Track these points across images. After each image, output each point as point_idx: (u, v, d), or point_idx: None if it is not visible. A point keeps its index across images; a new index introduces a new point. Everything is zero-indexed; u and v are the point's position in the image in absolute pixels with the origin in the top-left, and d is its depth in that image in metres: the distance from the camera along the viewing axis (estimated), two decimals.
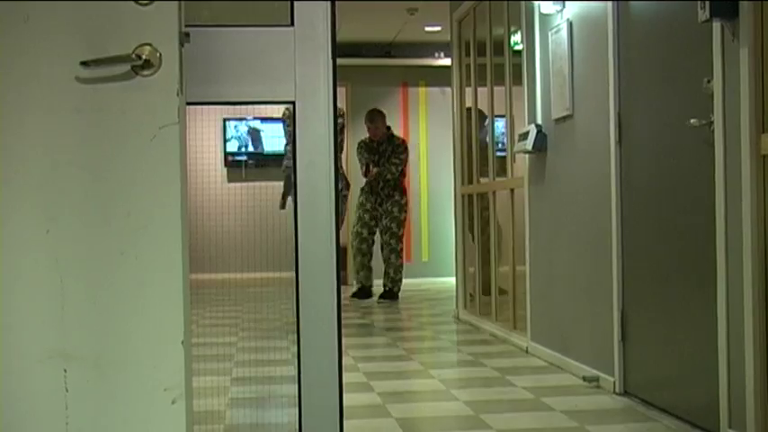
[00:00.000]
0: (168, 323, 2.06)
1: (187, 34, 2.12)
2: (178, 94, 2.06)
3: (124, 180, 2.07)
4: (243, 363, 5.38)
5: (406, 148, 8.94)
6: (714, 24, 3.26)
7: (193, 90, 2.33)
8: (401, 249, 8.95)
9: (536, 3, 5.19)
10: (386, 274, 8.94)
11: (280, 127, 11.66)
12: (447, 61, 8.44)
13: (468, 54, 7.33)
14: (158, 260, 2.06)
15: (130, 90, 2.06)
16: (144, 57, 2.04)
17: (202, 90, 2.46)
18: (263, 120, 11.78)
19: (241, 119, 11.89)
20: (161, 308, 2.06)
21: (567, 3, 4.88)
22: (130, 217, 2.06)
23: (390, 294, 8.92)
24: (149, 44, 2.05)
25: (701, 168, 3.44)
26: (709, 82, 3.35)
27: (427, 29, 10.22)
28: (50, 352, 2.05)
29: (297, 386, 2.55)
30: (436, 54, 10.97)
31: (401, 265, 8.97)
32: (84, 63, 2.03)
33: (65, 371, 2.05)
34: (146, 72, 2.05)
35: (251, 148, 11.98)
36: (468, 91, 7.35)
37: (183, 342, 2.06)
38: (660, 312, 3.89)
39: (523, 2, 5.55)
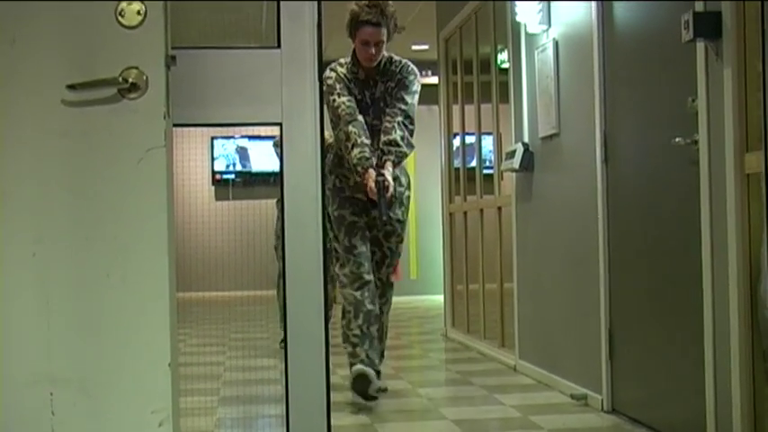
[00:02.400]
0: (155, 345, 2.06)
1: (173, 57, 2.13)
2: (165, 117, 2.07)
3: (111, 202, 2.08)
4: (231, 382, 5.36)
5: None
6: (698, 44, 3.29)
7: (181, 112, 2.34)
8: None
9: (522, 22, 5.22)
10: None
11: (267, 145, 11.71)
12: (434, 79, 8.47)
13: (455, 72, 7.36)
14: (145, 282, 2.06)
15: (117, 113, 2.07)
16: (130, 80, 2.05)
17: (190, 112, 2.46)
18: (251, 138, 11.80)
19: (229, 137, 11.90)
20: (147, 330, 2.06)
21: (552, 23, 4.91)
22: (117, 239, 2.07)
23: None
24: (136, 67, 2.06)
25: (686, 187, 3.46)
26: (693, 101, 3.38)
27: (414, 47, 10.25)
28: (37, 375, 2.04)
29: (285, 406, 2.55)
30: (423, 72, 10.94)
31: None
32: (70, 86, 2.04)
33: (51, 394, 2.05)
34: (132, 95, 2.06)
35: (239, 167, 11.99)
36: (456, 109, 7.38)
37: (169, 364, 2.06)
38: (647, 330, 3.90)
39: (510, 19, 5.57)
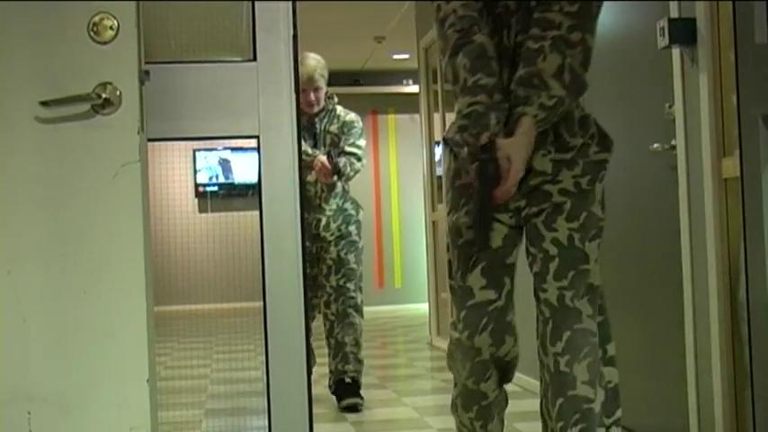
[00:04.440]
0: (133, 362, 2.05)
1: (147, 72, 2.12)
2: (139, 132, 2.07)
3: (86, 219, 2.07)
4: (216, 395, 5.34)
5: None
6: (673, 50, 3.31)
7: (157, 126, 2.34)
8: None
9: None
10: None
11: (250, 157, 11.69)
12: (415, 88, 8.49)
13: (435, 81, 7.37)
14: (122, 299, 2.05)
15: (91, 129, 2.06)
16: (104, 96, 2.04)
17: (166, 126, 2.46)
18: (234, 150, 11.78)
19: (211, 149, 11.88)
20: (125, 347, 2.05)
21: None
22: (93, 256, 2.06)
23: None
24: (109, 83, 2.05)
25: (664, 192, 3.48)
26: (670, 107, 3.39)
27: (395, 56, 10.27)
28: (14, 394, 2.03)
29: (267, 418, 2.54)
30: (404, 81, 11.03)
31: None
32: (44, 103, 2.03)
33: (29, 413, 2.03)
34: (106, 111, 2.06)
35: (221, 179, 11.97)
36: (437, 117, 7.39)
37: (147, 380, 2.05)
38: (629, 336, 3.90)
39: None
